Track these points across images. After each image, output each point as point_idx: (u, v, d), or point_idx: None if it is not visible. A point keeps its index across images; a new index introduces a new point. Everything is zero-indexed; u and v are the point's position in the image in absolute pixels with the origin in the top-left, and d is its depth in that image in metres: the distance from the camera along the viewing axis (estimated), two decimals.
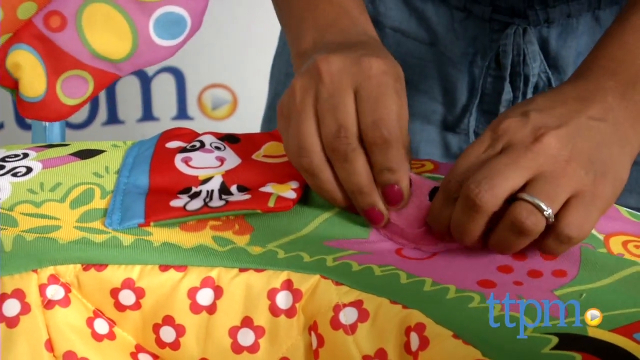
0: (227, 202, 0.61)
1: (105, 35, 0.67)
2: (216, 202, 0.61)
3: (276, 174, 0.64)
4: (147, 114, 1.91)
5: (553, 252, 0.56)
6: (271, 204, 0.60)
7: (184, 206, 0.61)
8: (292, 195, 0.61)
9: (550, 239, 0.55)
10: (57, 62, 0.67)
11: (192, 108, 1.92)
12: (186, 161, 0.65)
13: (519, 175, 0.55)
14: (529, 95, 0.84)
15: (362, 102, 0.60)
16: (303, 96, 0.61)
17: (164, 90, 1.90)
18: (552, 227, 0.55)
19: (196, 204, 0.61)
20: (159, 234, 0.60)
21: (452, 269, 0.57)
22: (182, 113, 1.92)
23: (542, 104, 0.59)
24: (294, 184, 0.62)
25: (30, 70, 0.66)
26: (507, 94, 0.84)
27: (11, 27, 0.65)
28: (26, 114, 0.69)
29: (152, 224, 0.60)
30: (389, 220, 0.60)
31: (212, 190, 0.62)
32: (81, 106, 0.71)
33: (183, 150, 0.67)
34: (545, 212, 0.54)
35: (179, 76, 1.89)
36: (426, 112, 0.89)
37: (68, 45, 0.66)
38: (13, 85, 0.68)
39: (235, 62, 1.87)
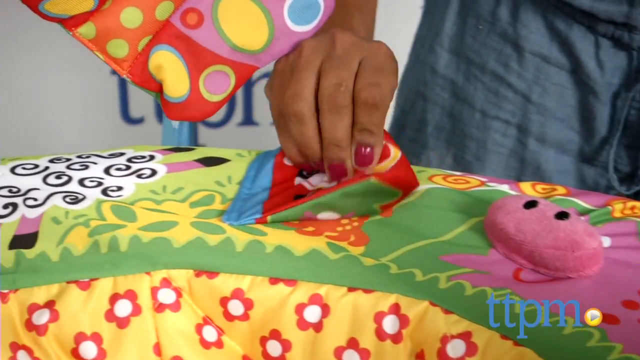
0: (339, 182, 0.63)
1: (242, 27, 0.67)
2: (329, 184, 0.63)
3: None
4: (247, 119, 1.93)
5: None
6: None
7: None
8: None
9: None
10: (197, 59, 0.67)
11: None
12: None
13: None
14: None
15: (364, 69, 0.63)
16: (310, 55, 0.64)
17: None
18: None
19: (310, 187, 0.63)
20: (274, 235, 0.60)
21: (572, 298, 0.54)
22: None
23: None
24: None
25: (173, 70, 0.66)
26: None
27: (151, 29, 0.66)
28: (172, 115, 0.69)
29: (269, 218, 0.61)
30: (507, 236, 0.59)
31: None
32: (224, 102, 0.71)
33: (301, 174, 0.67)
34: None
35: None
36: (561, 141, 0.87)
37: (207, 41, 0.66)
38: (157, 88, 0.68)
39: None
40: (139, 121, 1.92)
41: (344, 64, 0.63)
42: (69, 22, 0.62)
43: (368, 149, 0.62)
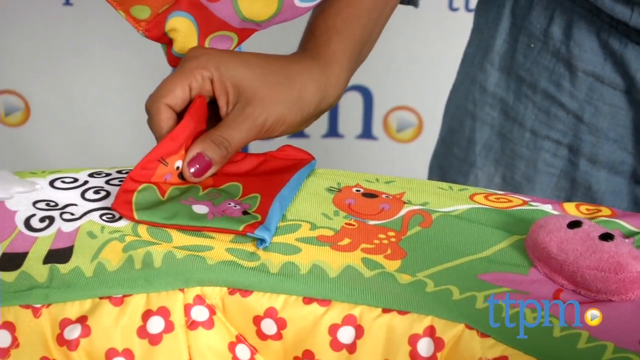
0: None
1: (256, 3, 0.70)
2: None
3: None
4: (333, 130, 1.92)
5: None
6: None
7: None
8: None
9: None
10: (208, 25, 0.71)
11: (377, 128, 1.92)
12: None
13: None
14: None
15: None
16: None
17: (351, 108, 1.90)
18: None
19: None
20: (309, 252, 0.59)
21: (612, 321, 0.53)
22: (366, 132, 1.92)
23: None
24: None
25: (185, 32, 0.70)
26: None
27: None
28: (174, 64, 0.74)
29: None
30: (549, 255, 0.57)
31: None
32: None
33: None
34: None
35: (367, 95, 1.89)
36: (614, 162, 0.85)
37: (222, 12, 0.70)
38: (167, 42, 0.72)
39: (425, 86, 1.85)
40: None
41: None
42: None
43: None
